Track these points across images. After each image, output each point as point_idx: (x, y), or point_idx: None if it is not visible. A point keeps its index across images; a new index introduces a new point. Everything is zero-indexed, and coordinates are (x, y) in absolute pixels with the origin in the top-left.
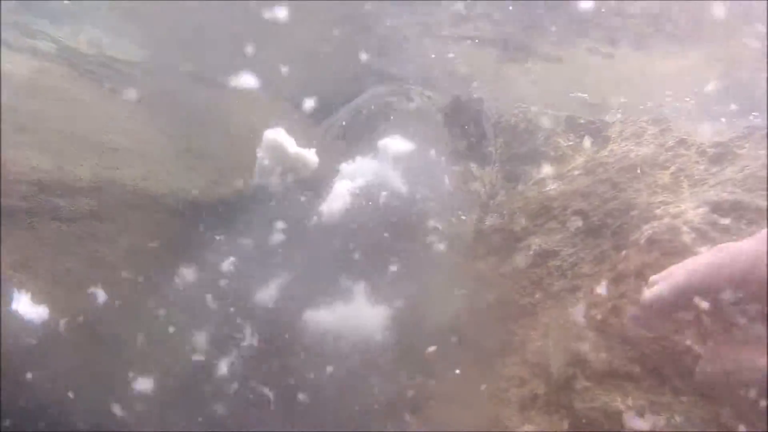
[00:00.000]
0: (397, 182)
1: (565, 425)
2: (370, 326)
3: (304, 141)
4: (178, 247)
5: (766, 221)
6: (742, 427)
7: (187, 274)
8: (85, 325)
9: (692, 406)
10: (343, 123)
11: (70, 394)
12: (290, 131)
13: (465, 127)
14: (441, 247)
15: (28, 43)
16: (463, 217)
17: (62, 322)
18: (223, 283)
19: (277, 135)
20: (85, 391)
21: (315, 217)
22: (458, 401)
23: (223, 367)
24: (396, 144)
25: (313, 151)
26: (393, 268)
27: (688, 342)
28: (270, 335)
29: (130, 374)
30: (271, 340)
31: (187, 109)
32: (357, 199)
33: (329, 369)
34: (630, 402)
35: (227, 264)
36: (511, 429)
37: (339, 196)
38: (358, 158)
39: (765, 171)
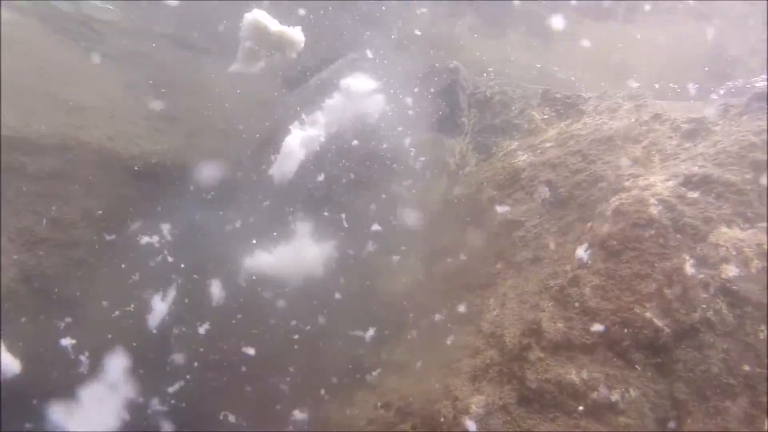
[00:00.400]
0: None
1: (515, 396)
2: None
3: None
4: (138, 209)
5: (734, 195)
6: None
7: (144, 235)
8: (38, 285)
9: (649, 381)
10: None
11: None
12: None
13: (438, 97)
14: (406, 212)
15: (7, 2)
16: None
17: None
18: (176, 246)
19: (258, 15)
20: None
21: (271, 173)
22: (408, 370)
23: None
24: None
25: (298, 28)
26: (346, 224)
27: (649, 315)
28: (230, 292)
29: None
30: (233, 296)
31: (160, 73)
32: (314, 151)
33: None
34: (584, 375)
35: (183, 229)
36: (461, 399)
37: (293, 151)
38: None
39: (737, 146)
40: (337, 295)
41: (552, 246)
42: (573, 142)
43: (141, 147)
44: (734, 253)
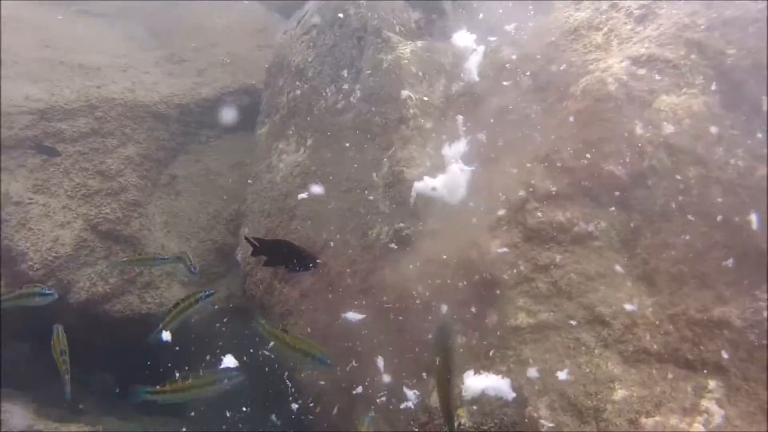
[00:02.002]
0: None
1: (521, 237)
2: None
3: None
4: (172, 147)
5: (671, 70)
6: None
7: (182, 169)
8: (108, 228)
9: (613, 215)
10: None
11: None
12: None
13: (425, 6)
14: (412, 112)
15: None
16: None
17: (83, 232)
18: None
19: None
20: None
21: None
22: (439, 235)
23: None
24: None
25: None
26: None
27: (611, 167)
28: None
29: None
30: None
31: (154, 20)
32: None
33: None
34: (568, 215)
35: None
36: (483, 245)
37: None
38: None
39: (674, 28)
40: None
41: (538, 125)
42: (547, 35)
43: (160, 92)
44: (671, 114)
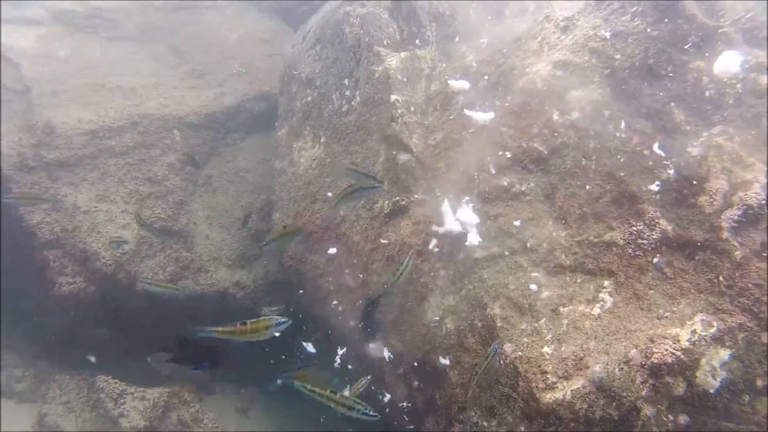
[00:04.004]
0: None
1: (477, 197)
2: None
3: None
4: (205, 152)
5: (579, 70)
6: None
7: (215, 169)
8: (161, 225)
9: (539, 178)
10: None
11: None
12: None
13: (405, 19)
14: (399, 111)
15: (19, 14)
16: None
17: (142, 231)
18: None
19: None
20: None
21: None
22: (425, 201)
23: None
24: None
25: None
26: None
27: (536, 145)
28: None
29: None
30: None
31: (174, 38)
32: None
33: None
34: (507, 180)
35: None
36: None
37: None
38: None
39: (582, 38)
40: None
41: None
42: (498, 43)
43: (189, 104)
44: (577, 104)
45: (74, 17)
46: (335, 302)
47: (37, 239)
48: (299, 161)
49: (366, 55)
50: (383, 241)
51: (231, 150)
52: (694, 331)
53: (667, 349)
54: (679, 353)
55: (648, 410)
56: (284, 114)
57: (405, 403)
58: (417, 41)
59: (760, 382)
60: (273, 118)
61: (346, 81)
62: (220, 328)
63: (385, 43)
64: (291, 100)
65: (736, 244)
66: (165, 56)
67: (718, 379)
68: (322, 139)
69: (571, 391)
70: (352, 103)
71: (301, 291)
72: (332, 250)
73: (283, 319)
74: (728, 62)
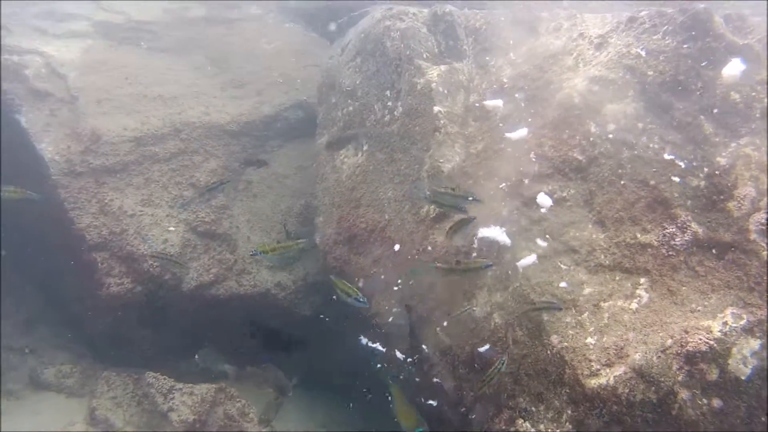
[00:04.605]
0: None
1: (520, 203)
2: None
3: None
4: (244, 158)
5: (613, 86)
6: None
7: (255, 175)
8: (205, 229)
9: (578, 185)
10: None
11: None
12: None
13: (443, 33)
14: (442, 122)
15: (64, 28)
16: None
17: (186, 234)
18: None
19: None
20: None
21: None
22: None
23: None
24: None
25: None
26: None
27: (575, 154)
28: None
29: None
30: None
31: (212, 49)
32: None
33: None
34: (550, 187)
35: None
36: (497, 210)
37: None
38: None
39: (617, 56)
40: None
41: (529, 127)
42: (535, 59)
43: (230, 113)
44: (613, 117)
45: (117, 30)
46: (382, 301)
47: (86, 242)
48: (341, 168)
49: (407, 68)
50: (429, 247)
51: (269, 156)
52: (725, 323)
53: (700, 339)
54: (712, 342)
55: (684, 394)
56: (324, 122)
57: (453, 393)
58: (454, 54)
59: None
60: (310, 126)
61: (387, 92)
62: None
63: (424, 56)
64: (331, 109)
65: (763, 244)
66: (204, 67)
67: (750, 367)
68: (365, 147)
69: (614, 377)
70: (395, 113)
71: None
72: (377, 252)
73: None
74: (733, 69)
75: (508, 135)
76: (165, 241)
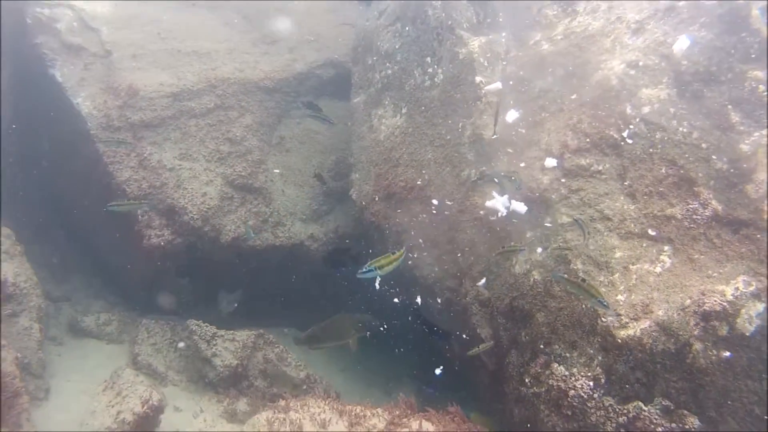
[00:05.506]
0: None
1: (561, 173)
2: None
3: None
4: (277, 114)
5: (649, 71)
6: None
7: (287, 130)
8: (242, 182)
9: (613, 159)
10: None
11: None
12: None
13: (482, 5)
14: (483, 91)
15: None
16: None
17: (224, 187)
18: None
19: None
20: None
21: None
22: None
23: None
24: None
25: None
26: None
27: (611, 132)
28: None
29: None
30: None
31: (244, 6)
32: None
33: None
34: (587, 160)
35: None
36: (539, 179)
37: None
38: None
39: (653, 43)
40: None
41: (568, 102)
42: (573, 37)
43: (263, 69)
44: (647, 101)
45: None
46: (423, 255)
47: (126, 195)
48: (380, 128)
49: (448, 37)
50: (469, 207)
51: (301, 113)
52: (737, 288)
53: (716, 300)
54: (725, 303)
55: (698, 346)
56: (360, 83)
57: (489, 340)
58: (492, 26)
59: None
60: (341, 83)
61: (428, 59)
62: None
63: (465, 26)
64: (368, 70)
65: None
66: (235, 23)
67: (754, 325)
68: (404, 110)
69: (640, 329)
70: (435, 79)
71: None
72: (416, 209)
73: None
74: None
75: (486, 88)
76: (204, 194)
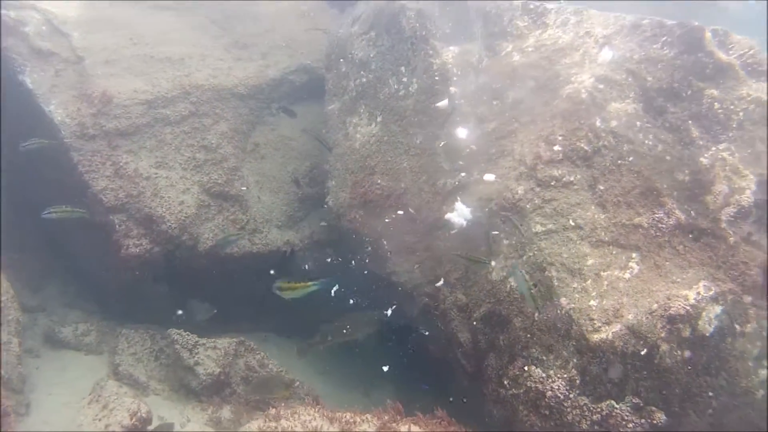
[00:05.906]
0: None
1: (534, 183)
2: None
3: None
4: (251, 120)
5: (617, 86)
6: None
7: (262, 137)
8: (218, 190)
9: (584, 171)
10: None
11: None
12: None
13: (456, 14)
14: (456, 103)
15: None
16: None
17: (201, 195)
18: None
19: None
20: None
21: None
22: (485, 182)
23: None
24: None
25: None
26: None
27: (581, 144)
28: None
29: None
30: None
31: (213, 9)
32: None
33: None
34: (559, 171)
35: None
36: (513, 189)
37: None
38: None
39: (620, 58)
40: None
41: (540, 114)
42: (543, 49)
43: (236, 76)
44: (616, 114)
45: None
46: (400, 261)
47: (102, 204)
48: (355, 136)
49: (422, 47)
50: (445, 216)
51: (275, 119)
52: (698, 293)
53: (680, 304)
54: (688, 308)
55: (664, 347)
56: (334, 90)
57: (468, 344)
58: (465, 36)
59: (738, 328)
60: (314, 89)
61: (402, 68)
62: None
63: (438, 36)
64: (342, 78)
65: (730, 232)
66: (206, 27)
67: (712, 326)
68: (379, 119)
69: (612, 333)
70: (410, 89)
71: (368, 248)
72: (393, 216)
73: None
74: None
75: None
76: (181, 203)
